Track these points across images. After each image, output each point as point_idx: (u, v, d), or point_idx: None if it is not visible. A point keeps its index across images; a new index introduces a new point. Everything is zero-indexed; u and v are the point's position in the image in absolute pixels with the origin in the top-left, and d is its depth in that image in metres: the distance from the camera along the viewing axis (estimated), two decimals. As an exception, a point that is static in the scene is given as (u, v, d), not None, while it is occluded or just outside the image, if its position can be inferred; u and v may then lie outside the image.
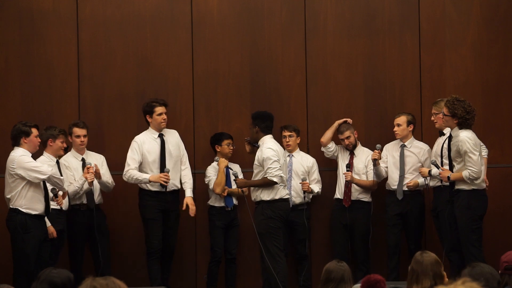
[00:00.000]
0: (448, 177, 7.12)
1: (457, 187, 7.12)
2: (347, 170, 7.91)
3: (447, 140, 7.46)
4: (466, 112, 7.01)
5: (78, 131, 7.77)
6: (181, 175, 7.93)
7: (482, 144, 7.34)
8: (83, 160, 7.79)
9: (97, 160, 7.87)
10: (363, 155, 8.05)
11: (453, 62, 8.35)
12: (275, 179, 7.22)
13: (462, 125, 7.05)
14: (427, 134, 8.23)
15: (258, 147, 7.36)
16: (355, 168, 8.00)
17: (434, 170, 7.50)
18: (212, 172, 7.97)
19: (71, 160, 7.79)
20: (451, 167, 7.19)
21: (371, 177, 7.97)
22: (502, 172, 8.01)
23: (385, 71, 8.37)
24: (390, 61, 8.37)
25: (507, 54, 8.36)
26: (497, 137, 8.08)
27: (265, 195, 7.23)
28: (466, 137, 7.00)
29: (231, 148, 7.98)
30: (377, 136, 8.11)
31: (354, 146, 8.05)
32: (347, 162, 8.01)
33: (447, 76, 8.35)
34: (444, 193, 7.46)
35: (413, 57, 8.36)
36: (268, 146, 7.27)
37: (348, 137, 8.03)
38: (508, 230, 8.02)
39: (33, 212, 7.02)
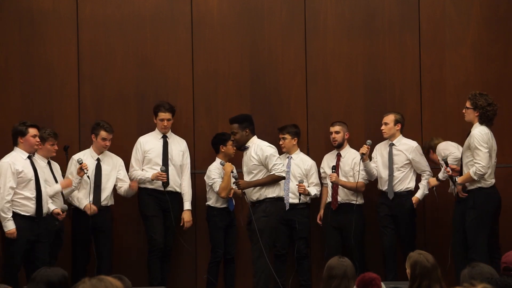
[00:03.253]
0: (459, 184, 7.16)
1: (468, 188, 7.16)
2: (332, 172, 7.90)
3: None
4: (488, 104, 7.12)
5: (105, 134, 7.77)
6: (182, 186, 7.97)
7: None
8: (98, 160, 7.80)
9: (114, 163, 7.88)
10: (349, 157, 8.01)
11: (453, 62, 8.35)
12: (283, 174, 7.20)
13: (482, 118, 7.11)
14: (427, 134, 8.22)
15: (247, 148, 7.23)
16: (342, 170, 7.97)
17: (441, 174, 7.57)
18: (216, 175, 7.92)
19: (85, 158, 7.76)
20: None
21: (359, 178, 7.95)
22: (502, 172, 8.00)
23: (385, 71, 8.36)
24: (390, 61, 8.36)
25: (507, 54, 8.36)
26: (497, 137, 8.03)
27: (270, 193, 7.14)
28: (478, 132, 7.07)
29: (235, 148, 7.95)
30: (377, 136, 8.09)
31: (340, 145, 8.03)
32: (332, 164, 8.00)
33: (447, 76, 8.34)
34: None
35: (413, 57, 8.36)
36: (266, 144, 7.22)
37: (337, 132, 8.01)
38: (509, 230, 8.01)
39: (23, 213, 7.00)
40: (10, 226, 6.91)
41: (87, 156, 7.79)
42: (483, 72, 8.34)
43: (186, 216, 7.97)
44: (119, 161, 7.92)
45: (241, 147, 7.25)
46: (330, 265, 4.67)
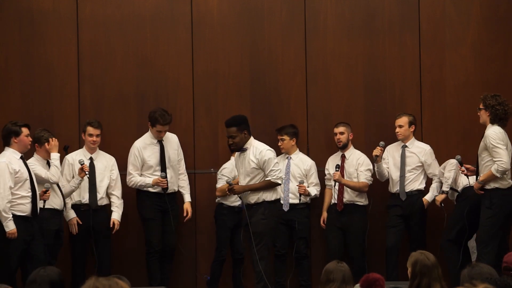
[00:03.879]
0: (479, 183, 7.16)
1: (485, 187, 7.19)
2: (336, 170, 7.89)
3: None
4: (498, 103, 7.15)
5: (91, 130, 7.80)
6: (180, 181, 7.99)
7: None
8: (90, 159, 7.79)
9: (107, 162, 7.88)
10: (354, 158, 8.01)
11: (453, 62, 8.35)
12: (279, 181, 7.03)
13: (492, 117, 7.14)
14: (427, 134, 8.23)
15: (245, 150, 7.03)
16: (346, 172, 7.97)
17: (444, 187, 7.65)
18: (227, 173, 7.86)
19: (78, 158, 7.76)
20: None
21: (361, 178, 7.93)
22: (502, 172, 8.00)
23: (385, 71, 8.36)
24: (390, 61, 8.36)
25: (507, 54, 8.36)
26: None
27: (268, 196, 7.00)
28: (492, 132, 7.09)
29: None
30: (377, 136, 8.10)
31: (345, 146, 8.02)
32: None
33: (447, 76, 8.34)
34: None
35: (413, 57, 8.36)
36: (266, 147, 7.04)
37: (341, 133, 8.01)
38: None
39: (18, 213, 6.95)
40: (11, 226, 6.89)
41: (80, 156, 7.78)
42: (483, 72, 8.34)
43: (189, 208, 7.98)
44: (112, 160, 7.93)
45: (240, 150, 7.07)
46: (328, 269, 4.68)
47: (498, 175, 7.03)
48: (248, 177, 7.02)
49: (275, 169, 6.98)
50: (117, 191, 7.87)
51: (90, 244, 7.76)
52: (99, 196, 7.76)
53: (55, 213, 7.42)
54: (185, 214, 7.97)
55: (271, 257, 7.70)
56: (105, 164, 7.86)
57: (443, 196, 7.74)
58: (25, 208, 7.00)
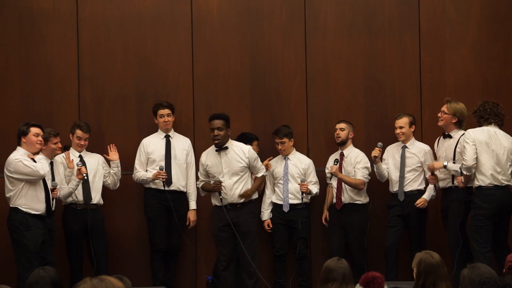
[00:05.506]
0: (445, 166, 7.37)
1: (471, 185, 7.25)
2: (334, 164, 7.90)
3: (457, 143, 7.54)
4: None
5: (80, 133, 7.81)
6: (187, 185, 7.98)
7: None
8: (80, 157, 7.79)
9: (95, 160, 7.88)
10: (352, 156, 8.01)
11: (453, 62, 8.35)
12: (265, 173, 7.52)
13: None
14: (427, 134, 8.23)
15: (226, 148, 7.28)
16: (344, 170, 7.97)
17: (450, 164, 7.43)
18: None
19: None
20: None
21: (358, 176, 7.93)
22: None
23: (385, 71, 8.37)
24: (390, 61, 8.37)
25: (507, 54, 8.36)
26: (497, 137, 8.06)
27: (254, 195, 7.37)
28: (466, 131, 7.25)
29: (257, 150, 7.92)
30: (377, 136, 8.10)
31: (343, 142, 8.02)
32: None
33: (447, 76, 8.35)
34: (454, 194, 7.47)
35: (413, 57, 8.36)
36: (248, 146, 7.40)
37: (342, 129, 8.01)
38: (509, 230, 8.01)
39: (33, 212, 7.02)
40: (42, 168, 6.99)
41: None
42: (483, 72, 8.34)
43: (192, 216, 7.97)
44: (101, 159, 7.95)
45: (223, 146, 7.27)
46: (329, 267, 4.66)
47: (464, 172, 7.15)
48: (236, 175, 7.23)
49: (260, 163, 7.44)
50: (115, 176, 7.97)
51: (89, 244, 7.74)
52: (93, 192, 7.76)
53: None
54: (187, 223, 7.96)
55: (270, 257, 7.72)
56: (95, 164, 7.87)
57: (441, 166, 7.53)
58: (39, 207, 7.07)
